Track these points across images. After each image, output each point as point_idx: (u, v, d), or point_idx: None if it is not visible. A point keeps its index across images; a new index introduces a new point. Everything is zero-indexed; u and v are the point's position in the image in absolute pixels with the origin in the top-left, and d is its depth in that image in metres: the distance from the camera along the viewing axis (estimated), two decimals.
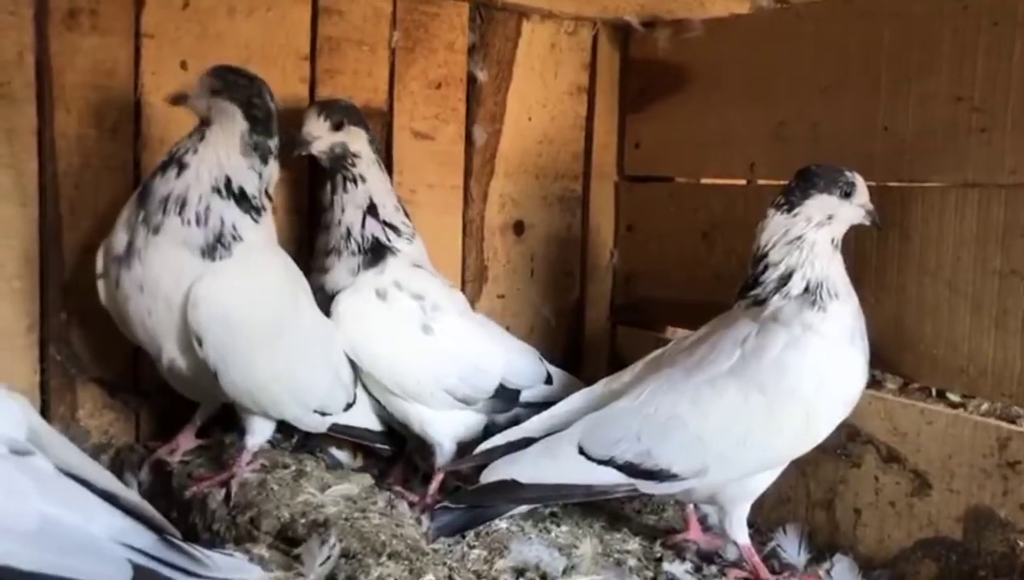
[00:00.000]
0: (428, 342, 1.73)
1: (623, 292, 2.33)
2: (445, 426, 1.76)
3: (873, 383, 1.73)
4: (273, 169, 1.64)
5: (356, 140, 1.76)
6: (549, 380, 1.89)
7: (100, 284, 1.62)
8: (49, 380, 1.79)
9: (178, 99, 1.61)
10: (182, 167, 1.56)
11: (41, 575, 1.16)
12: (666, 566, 1.56)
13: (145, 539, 1.25)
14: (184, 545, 1.27)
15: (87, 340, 1.81)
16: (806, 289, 1.51)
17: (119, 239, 1.57)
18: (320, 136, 1.73)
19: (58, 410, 1.80)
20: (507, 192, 2.23)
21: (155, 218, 1.54)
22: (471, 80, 2.15)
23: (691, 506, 1.68)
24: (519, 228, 2.26)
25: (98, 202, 1.78)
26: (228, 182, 1.57)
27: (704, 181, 2.19)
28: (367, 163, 1.77)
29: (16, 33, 1.68)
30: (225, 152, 1.58)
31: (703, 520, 1.71)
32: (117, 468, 1.80)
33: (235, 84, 1.58)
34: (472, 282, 2.21)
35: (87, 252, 1.72)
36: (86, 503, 1.25)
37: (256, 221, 1.60)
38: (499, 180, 2.22)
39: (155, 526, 1.29)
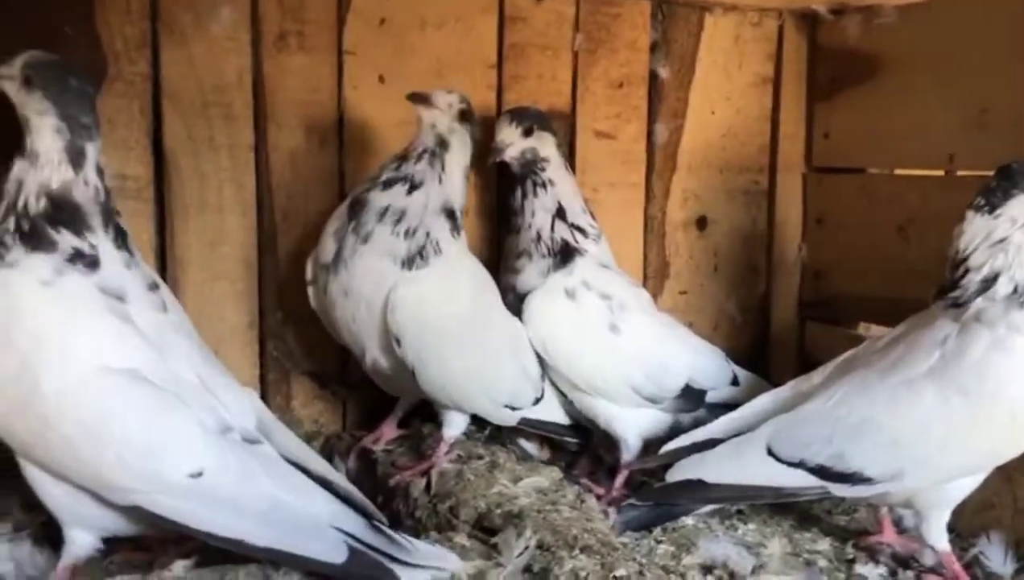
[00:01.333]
0: (616, 341, 1.77)
1: (812, 288, 2.27)
2: (631, 423, 1.79)
3: None
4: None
5: (545, 145, 1.82)
6: (735, 381, 1.89)
7: (310, 290, 1.76)
8: (267, 373, 1.95)
9: (420, 98, 1.67)
10: (415, 186, 1.67)
11: (270, 550, 1.29)
12: (859, 568, 1.53)
13: (356, 524, 1.35)
14: (390, 531, 1.37)
15: (300, 337, 1.95)
16: (1014, 290, 1.43)
17: (327, 248, 1.69)
18: (512, 142, 1.80)
19: (275, 400, 1.96)
20: (689, 187, 2.23)
21: (366, 228, 1.65)
22: (653, 77, 2.16)
23: (885, 508, 1.64)
24: (702, 223, 2.25)
25: (308, 210, 1.92)
26: (448, 204, 1.69)
27: (898, 172, 2.10)
28: (555, 167, 1.83)
29: (236, 57, 1.84)
30: (455, 178, 1.70)
31: (897, 522, 1.66)
32: (327, 454, 1.93)
33: (474, 120, 1.71)
34: (654, 278, 2.22)
35: (299, 257, 1.86)
36: (306, 488, 1.37)
37: (456, 237, 1.70)
38: (681, 175, 2.22)
39: (364, 512, 1.40)
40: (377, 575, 1.30)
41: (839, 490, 1.49)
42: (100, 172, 1.42)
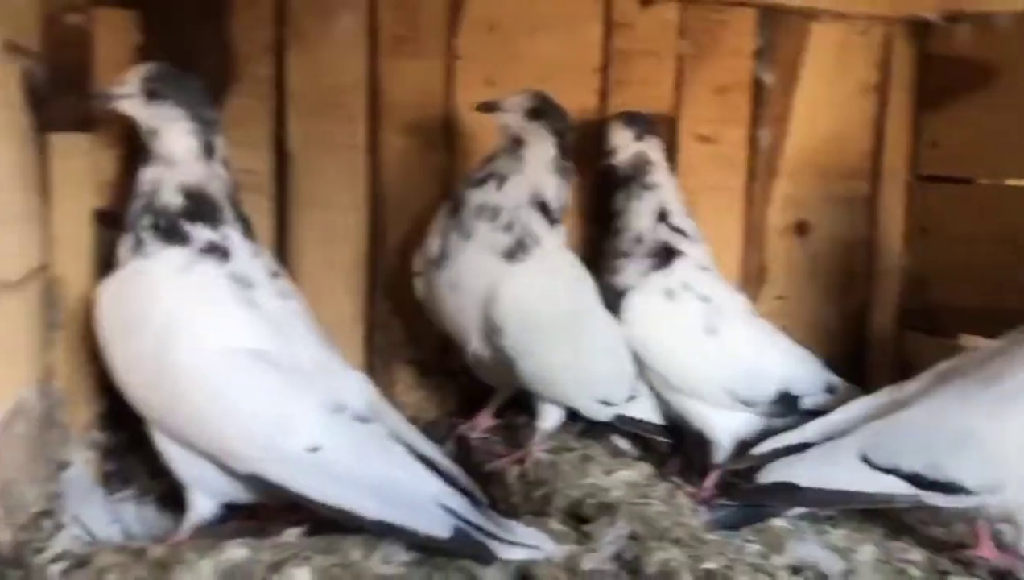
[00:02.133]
0: (712, 343, 1.79)
1: (913, 297, 2.25)
2: (723, 424, 1.81)
3: None
4: (567, 188, 1.79)
5: (654, 149, 1.88)
6: (831, 389, 1.89)
7: (417, 283, 1.84)
8: (373, 360, 2.03)
9: (488, 107, 1.77)
10: (502, 181, 1.74)
11: (380, 522, 1.36)
12: None
13: (459, 502, 1.41)
14: (490, 511, 1.43)
15: (405, 327, 2.04)
16: None
17: (433, 245, 1.77)
18: (626, 146, 1.87)
19: (379, 386, 2.03)
20: (790, 193, 2.23)
21: (467, 225, 1.73)
22: (757, 83, 2.17)
23: (983, 521, 1.62)
24: (802, 229, 2.25)
25: (416, 206, 1.99)
26: (537, 196, 1.74)
27: (1010, 183, 2.06)
28: (661, 171, 1.88)
29: (354, 61, 1.93)
30: (539, 171, 1.74)
31: (996, 536, 1.64)
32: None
33: (552, 114, 1.75)
34: (751, 283, 2.23)
35: (406, 250, 1.95)
36: (414, 466, 1.45)
37: (552, 228, 1.75)
38: (782, 181, 2.22)
39: (466, 492, 1.47)
40: (479, 552, 1.36)
41: (934, 499, 1.48)
42: (226, 164, 1.53)
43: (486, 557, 1.36)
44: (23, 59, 1.45)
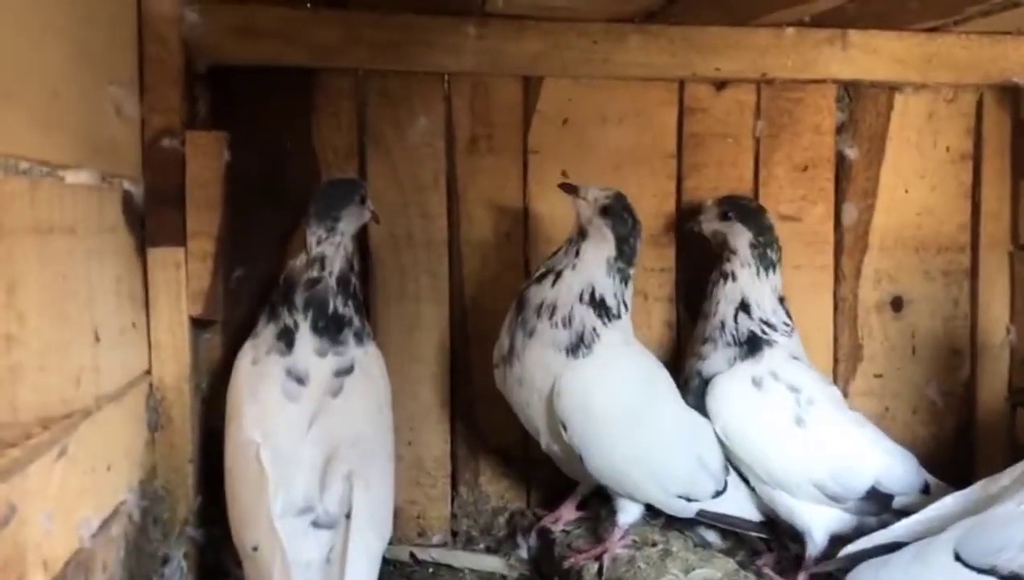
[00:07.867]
0: (800, 434, 1.74)
1: (1023, 373, 2.13)
2: (814, 518, 1.76)
3: None
4: (630, 289, 1.77)
5: (735, 237, 1.84)
6: (927, 490, 1.80)
7: (496, 375, 1.85)
8: (457, 450, 2.07)
9: (569, 189, 1.77)
10: (558, 277, 1.75)
11: None
12: None
13: None
14: None
15: (487, 416, 2.06)
16: None
17: (503, 342, 1.80)
18: (708, 221, 1.88)
19: (464, 476, 2.08)
20: (882, 267, 2.16)
21: (530, 323, 1.74)
22: (840, 158, 2.12)
23: None
24: (897, 304, 2.17)
25: (495, 298, 2.02)
26: (592, 293, 1.73)
27: None
28: (741, 263, 1.83)
29: (431, 161, 2.01)
30: (594, 269, 1.74)
31: None
32: (511, 530, 2.03)
33: (620, 217, 1.73)
34: (845, 362, 2.16)
35: (487, 341, 1.97)
36: None
37: (607, 324, 1.73)
38: (873, 256, 2.15)
39: None
40: None
41: None
42: (321, 263, 1.68)
43: None
44: (123, 184, 1.58)
